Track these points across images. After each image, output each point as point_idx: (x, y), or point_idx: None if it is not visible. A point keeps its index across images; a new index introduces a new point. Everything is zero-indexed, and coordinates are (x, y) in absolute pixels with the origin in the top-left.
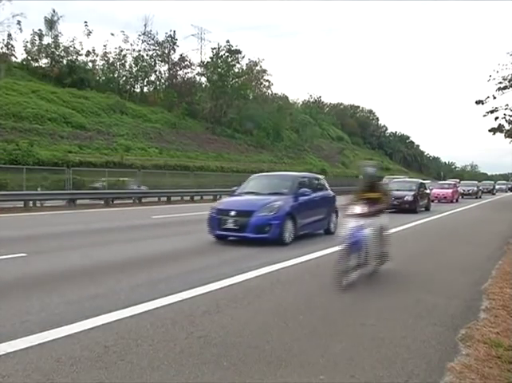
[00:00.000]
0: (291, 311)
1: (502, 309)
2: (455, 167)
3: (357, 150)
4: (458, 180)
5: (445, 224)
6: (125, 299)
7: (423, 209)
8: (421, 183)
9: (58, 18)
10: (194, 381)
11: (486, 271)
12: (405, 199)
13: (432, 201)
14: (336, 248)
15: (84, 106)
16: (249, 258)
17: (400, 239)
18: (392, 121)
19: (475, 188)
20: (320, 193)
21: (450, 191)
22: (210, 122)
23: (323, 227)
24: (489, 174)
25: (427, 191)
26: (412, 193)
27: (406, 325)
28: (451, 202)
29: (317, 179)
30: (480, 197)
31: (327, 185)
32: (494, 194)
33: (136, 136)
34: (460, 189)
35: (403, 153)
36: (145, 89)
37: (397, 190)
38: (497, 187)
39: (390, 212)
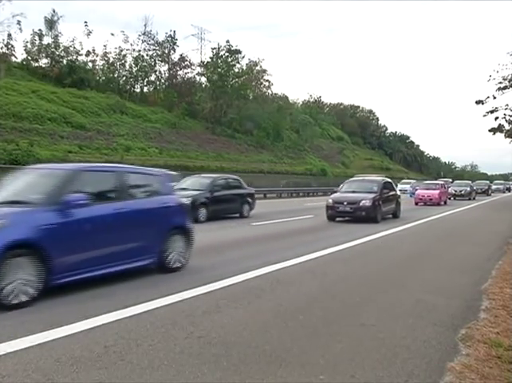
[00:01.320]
0: (291, 311)
1: (502, 309)
2: (455, 167)
3: (357, 150)
4: (450, 180)
5: (443, 224)
6: (125, 299)
7: (390, 216)
8: (386, 183)
9: (58, 18)
10: (194, 381)
11: (486, 271)
12: (361, 204)
13: (416, 203)
14: (336, 248)
15: (84, 106)
16: (249, 258)
17: (399, 240)
18: (392, 121)
19: (468, 189)
20: (138, 201)
21: (437, 192)
22: (210, 122)
23: (146, 260)
24: (489, 174)
25: (396, 193)
26: (372, 196)
27: (406, 325)
28: (438, 204)
29: (142, 174)
30: (474, 198)
31: (169, 187)
32: (489, 195)
33: (136, 136)
34: (451, 189)
35: (403, 153)
36: (145, 89)
37: (353, 192)
38: (493, 187)
39: (342, 221)
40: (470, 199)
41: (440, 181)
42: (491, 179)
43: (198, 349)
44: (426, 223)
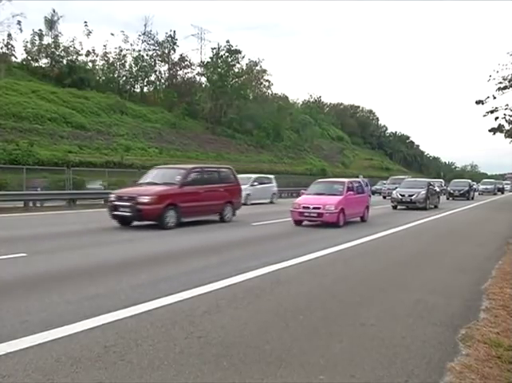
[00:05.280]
0: (291, 311)
1: (502, 309)
2: (455, 167)
3: (357, 150)
4: (406, 177)
5: (443, 224)
6: (125, 299)
7: None
8: None
9: (58, 18)
10: (194, 381)
11: (486, 271)
12: None
13: (298, 222)
14: (336, 248)
15: (84, 106)
16: (249, 258)
17: (398, 240)
18: (392, 121)
19: (423, 192)
20: None
21: (336, 199)
22: (210, 122)
23: None
24: (489, 174)
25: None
26: None
27: (406, 325)
28: (336, 224)
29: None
30: (435, 206)
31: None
32: (471, 199)
33: (136, 136)
34: (396, 194)
35: (403, 153)
36: (145, 89)
37: None
38: (481, 187)
39: None
40: (425, 209)
41: (343, 179)
42: (491, 179)
43: (198, 349)
44: (425, 223)
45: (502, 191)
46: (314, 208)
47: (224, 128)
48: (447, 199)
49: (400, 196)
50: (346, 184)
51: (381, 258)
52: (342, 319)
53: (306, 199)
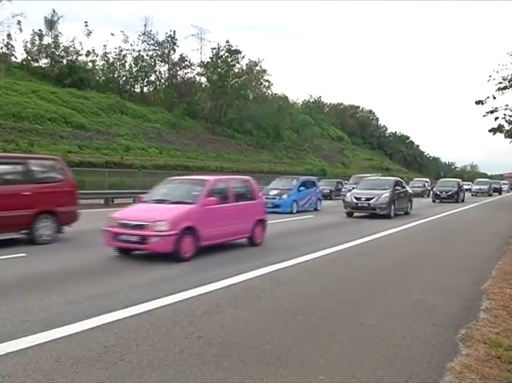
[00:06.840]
0: (291, 311)
1: (502, 310)
2: (455, 168)
3: (357, 150)
4: (375, 176)
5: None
6: (125, 299)
7: None
8: None
9: (58, 18)
10: (194, 381)
11: (486, 271)
12: None
13: (127, 250)
14: (336, 248)
15: (84, 106)
16: (249, 258)
17: (398, 240)
18: (392, 121)
19: (386, 194)
20: None
21: (178, 212)
22: (210, 122)
23: None
24: (488, 174)
25: None
26: None
27: (406, 325)
28: (176, 256)
29: None
30: (406, 213)
31: None
32: (460, 201)
33: (136, 136)
34: (350, 197)
35: (403, 153)
36: (145, 89)
37: None
38: (474, 187)
39: None
40: (389, 217)
41: (200, 177)
42: (491, 179)
43: (198, 349)
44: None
45: (499, 191)
46: (136, 227)
47: (224, 128)
48: (433, 201)
49: (355, 200)
50: (207, 186)
51: (381, 258)
52: (342, 319)
53: (133, 210)
